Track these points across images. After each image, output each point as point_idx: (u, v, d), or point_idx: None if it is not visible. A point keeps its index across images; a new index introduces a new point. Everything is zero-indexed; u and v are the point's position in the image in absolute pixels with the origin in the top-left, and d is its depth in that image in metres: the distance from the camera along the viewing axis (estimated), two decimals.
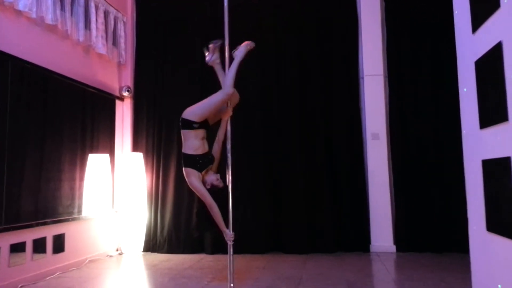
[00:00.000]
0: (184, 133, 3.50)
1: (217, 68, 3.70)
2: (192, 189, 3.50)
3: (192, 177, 3.44)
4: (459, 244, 4.66)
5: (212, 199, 3.43)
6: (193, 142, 3.47)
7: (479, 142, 2.39)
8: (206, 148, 3.53)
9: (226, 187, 3.62)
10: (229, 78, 3.52)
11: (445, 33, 4.96)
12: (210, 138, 3.62)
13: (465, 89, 2.57)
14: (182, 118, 3.50)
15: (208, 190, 3.46)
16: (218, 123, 3.67)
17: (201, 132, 3.49)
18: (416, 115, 5.20)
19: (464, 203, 2.67)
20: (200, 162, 3.45)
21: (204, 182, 3.51)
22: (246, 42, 3.66)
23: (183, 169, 3.51)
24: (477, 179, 2.41)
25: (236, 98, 3.69)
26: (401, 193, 5.14)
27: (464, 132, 2.63)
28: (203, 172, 3.49)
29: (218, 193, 3.55)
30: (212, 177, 3.53)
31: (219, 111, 3.62)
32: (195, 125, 3.45)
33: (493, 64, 2.11)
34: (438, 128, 5.10)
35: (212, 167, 3.61)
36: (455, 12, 2.69)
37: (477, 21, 2.32)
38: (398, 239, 5.09)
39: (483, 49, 2.25)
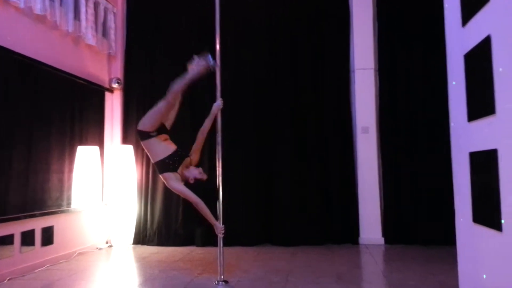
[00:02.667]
0: (145, 144, 3.48)
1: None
2: (174, 191, 3.50)
3: (170, 181, 3.43)
4: (446, 237, 4.72)
5: (196, 196, 3.43)
6: (157, 148, 3.46)
7: (467, 134, 2.42)
8: (172, 147, 3.50)
9: (209, 179, 3.64)
10: (175, 86, 3.43)
11: (436, 27, 4.98)
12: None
13: (454, 82, 2.59)
14: (138, 130, 3.49)
15: (192, 185, 3.46)
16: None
17: (161, 136, 3.48)
18: (406, 109, 5.24)
19: (452, 196, 2.71)
20: (171, 163, 3.43)
21: (186, 178, 3.51)
22: (202, 63, 3.50)
23: (160, 176, 3.52)
24: (465, 171, 2.44)
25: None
26: (390, 186, 5.19)
27: (452, 124, 2.66)
28: (180, 170, 3.48)
29: (204, 188, 3.56)
30: (195, 171, 3.53)
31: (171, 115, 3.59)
32: (152, 134, 3.44)
33: (482, 57, 2.13)
34: (428, 122, 5.14)
35: (193, 160, 3.59)
36: (445, 5, 2.71)
37: (467, 14, 2.34)
38: (387, 231, 5.15)
39: (472, 42, 2.27)
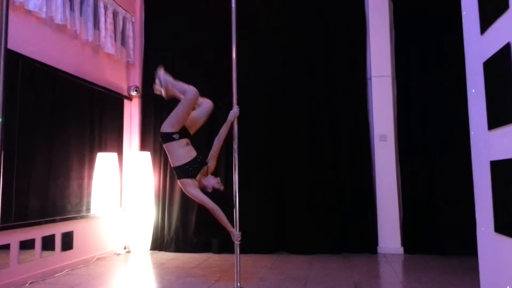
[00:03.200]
0: (167, 147, 3.49)
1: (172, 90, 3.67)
2: (192, 197, 3.52)
3: (188, 187, 3.44)
4: (467, 247, 4.63)
5: (213, 203, 3.43)
6: (178, 153, 3.46)
7: (488, 143, 2.38)
8: (192, 154, 3.51)
9: (226, 190, 3.65)
10: (181, 86, 3.55)
11: (453, 34, 4.92)
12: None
13: (473, 90, 2.56)
14: (161, 133, 3.51)
15: (210, 193, 3.47)
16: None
17: (183, 141, 3.49)
18: (424, 116, 5.17)
19: (473, 205, 2.66)
20: (190, 169, 3.44)
21: (204, 187, 3.52)
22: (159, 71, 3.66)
23: (178, 181, 3.54)
24: (486, 180, 2.40)
25: (209, 104, 3.72)
26: (409, 195, 5.11)
27: (472, 133, 2.62)
28: (198, 177, 3.49)
29: (221, 196, 3.56)
30: (213, 181, 3.52)
31: (196, 118, 3.62)
32: (175, 136, 3.45)
33: (501, 65, 2.10)
34: (446, 130, 5.06)
35: (210, 167, 3.61)
36: (464, 13, 2.68)
37: (486, 22, 2.31)
38: (406, 241, 5.06)
39: (491, 50, 2.24)
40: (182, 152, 3.47)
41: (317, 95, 5.37)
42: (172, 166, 3.57)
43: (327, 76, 5.39)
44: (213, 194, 3.55)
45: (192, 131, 3.62)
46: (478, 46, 2.45)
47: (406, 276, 4.07)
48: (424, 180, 5.08)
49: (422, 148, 5.14)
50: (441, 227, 4.95)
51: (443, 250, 4.90)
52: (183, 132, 3.52)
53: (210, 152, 3.65)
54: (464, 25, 2.70)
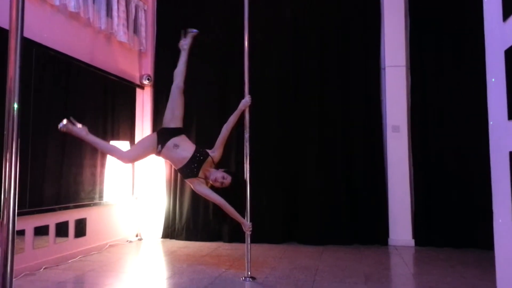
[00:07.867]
0: (161, 156, 3.55)
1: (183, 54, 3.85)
2: (200, 194, 3.53)
3: (196, 185, 3.47)
4: (479, 240, 4.59)
5: (220, 197, 3.43)
6: (173, 158, 3.49)
7: (507, 133, 2.33)
8: (187, 153, 3.45)
9: (239, 181, 3.62)
10: (179, 72, 3.76)
11: (468, 23, 4.84)
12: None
13: (493, 79, 2.50)
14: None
15: (218, 189, 3.47)
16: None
17: (169, 145, 3.45)
18: (438, 107, 5.09)
19: (487, 198, 2.62)
20: (188, 171, 3.45)
21: (212, 180, 3.48)
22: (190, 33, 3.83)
23: (186, 181, 3.58)
24: (504, 171, 2.35)
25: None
26: (421, 187, 5.05)
27: (491, 123, 2.57)
28: (200, 174, 3.48)
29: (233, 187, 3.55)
30: (218, 175, 3.49)
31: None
32: (158, 149, 3.49)
33: None
34: (460, 120, 4.98)
35: (216, 156, 3.56)
36: (485, 0, 2.62)
37: (509, 8, 2.25)
38: (417, 233, 5.02)
39: None
40: (175, 156, 3.47)
41: (331, 85, 5.31)
42: (176, 169, 3.64)
43: (341, 66, 5.33)
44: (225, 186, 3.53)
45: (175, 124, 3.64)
46: (500, 34, 2.38)
47: (417, 268, 4.04)
48: (437, 172, 5.02)
49: (436, 139, 5.07)
50: (453, 219, 4.89)
51: (455, 243, 4.85)
52: (164, 137, 3.50)
53: (217, 140, 3.61)
54: (485, 11, 2.63)
